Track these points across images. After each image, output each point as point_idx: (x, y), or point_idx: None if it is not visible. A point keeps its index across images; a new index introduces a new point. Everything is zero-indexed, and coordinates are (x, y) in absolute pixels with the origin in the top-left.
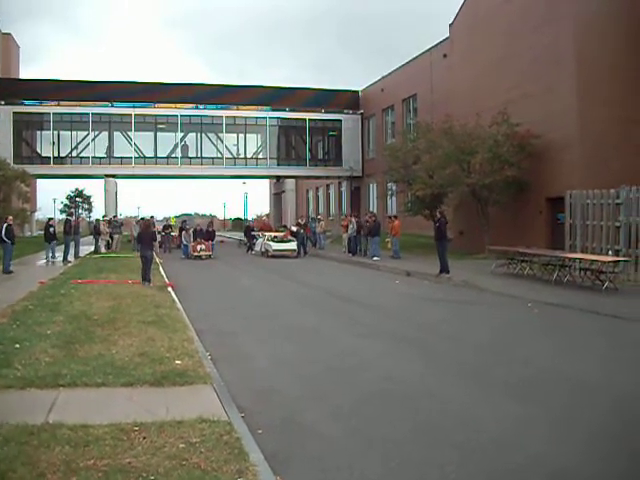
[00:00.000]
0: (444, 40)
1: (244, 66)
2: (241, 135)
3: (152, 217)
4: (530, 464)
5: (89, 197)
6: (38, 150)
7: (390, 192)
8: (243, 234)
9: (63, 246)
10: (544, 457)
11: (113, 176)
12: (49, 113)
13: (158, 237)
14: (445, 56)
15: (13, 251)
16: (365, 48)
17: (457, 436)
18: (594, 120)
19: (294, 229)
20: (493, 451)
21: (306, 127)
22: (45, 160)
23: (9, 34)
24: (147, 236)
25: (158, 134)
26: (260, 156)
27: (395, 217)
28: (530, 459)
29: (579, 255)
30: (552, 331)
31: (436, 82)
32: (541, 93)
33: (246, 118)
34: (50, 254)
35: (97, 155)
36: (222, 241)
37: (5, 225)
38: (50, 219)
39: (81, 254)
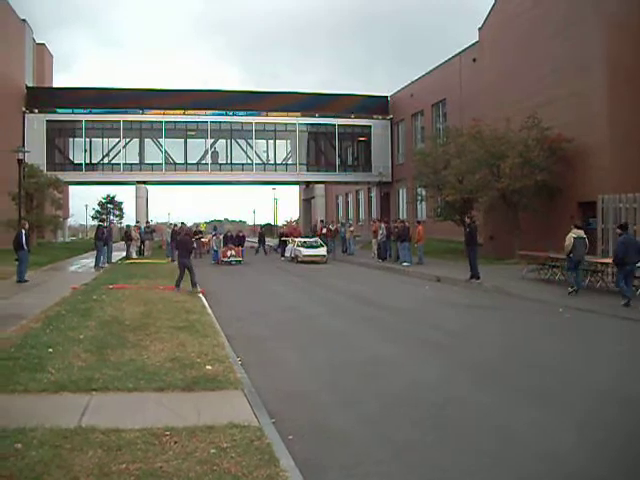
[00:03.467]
0: (473, 44)
1: (277, 72)
2: (271, 141)
3: (183, 223)
4: (550, 468)
5: (120, 203)
6: (70, 157)
7: (420, 197)
8: (278, 240)
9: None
10: (562, 461)
11: (144, 183)
12: (81, 121)
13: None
14: (474, 60)
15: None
16: (399, 53)
17: (485, 443)
18: (625, 124)
19: (331, 227)
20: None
21: (335, 133)
22: (77, 167)
23: (43, 44)
24: (184, 243)
25: (188, 141)
26: (290, 162)
27: (419, 222)
28: (550, 460)
29: (611, 260)
30: (584, 337)
31: (465, 86)
32: (571, 97)
33: (276, 124)
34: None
35: (128, 162)
36: (252, 247)
37: (24, 232)
38: (128, 226)
39: (113, 260)
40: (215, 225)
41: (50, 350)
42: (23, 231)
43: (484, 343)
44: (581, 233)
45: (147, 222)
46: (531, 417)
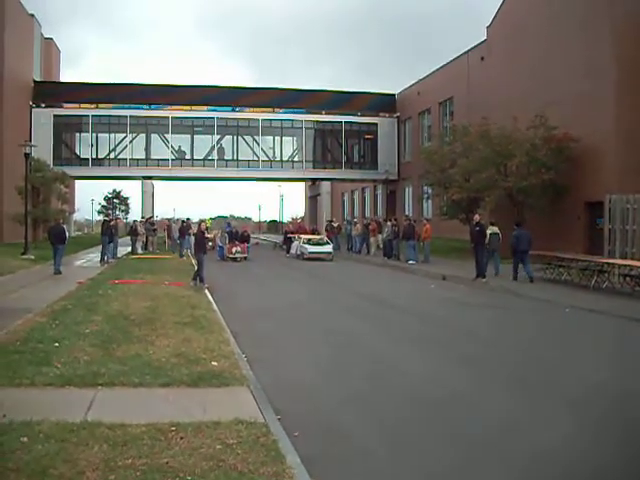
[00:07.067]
0: (482, 42)
1: (286, 69)
2: (277, 138)
3: (188, 219)
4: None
5: (126, 198)
6: (77, 152)
7: (426, 196)
8: (283, 237)
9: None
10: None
11: (150, 178)
12: (88, 115)
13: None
14: (482, 59)
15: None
16: (411, 50)
17: (494, 447)
18: (633, 124)
19: (334, 225)
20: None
21: (342, 130)
22: (84, 162)
23: (51, 39)
24: (201, 240)
25: (195, 136)
26: (296, 159)
27: (427, 220)
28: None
29: (618, 261)
30: (591, 338)
31: (473, 85)
32: (579, 96)
33: (282, 121)
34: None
35: (135, 157)
36: (257, 243)
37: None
38: (135, 221)
39: (118, 255)
40: (229, 222)
41: (56, 344)
42: (65, 225)
43: (491, 342)
44: (495, 229)
45: (150, 217)
46: (556, 423)
